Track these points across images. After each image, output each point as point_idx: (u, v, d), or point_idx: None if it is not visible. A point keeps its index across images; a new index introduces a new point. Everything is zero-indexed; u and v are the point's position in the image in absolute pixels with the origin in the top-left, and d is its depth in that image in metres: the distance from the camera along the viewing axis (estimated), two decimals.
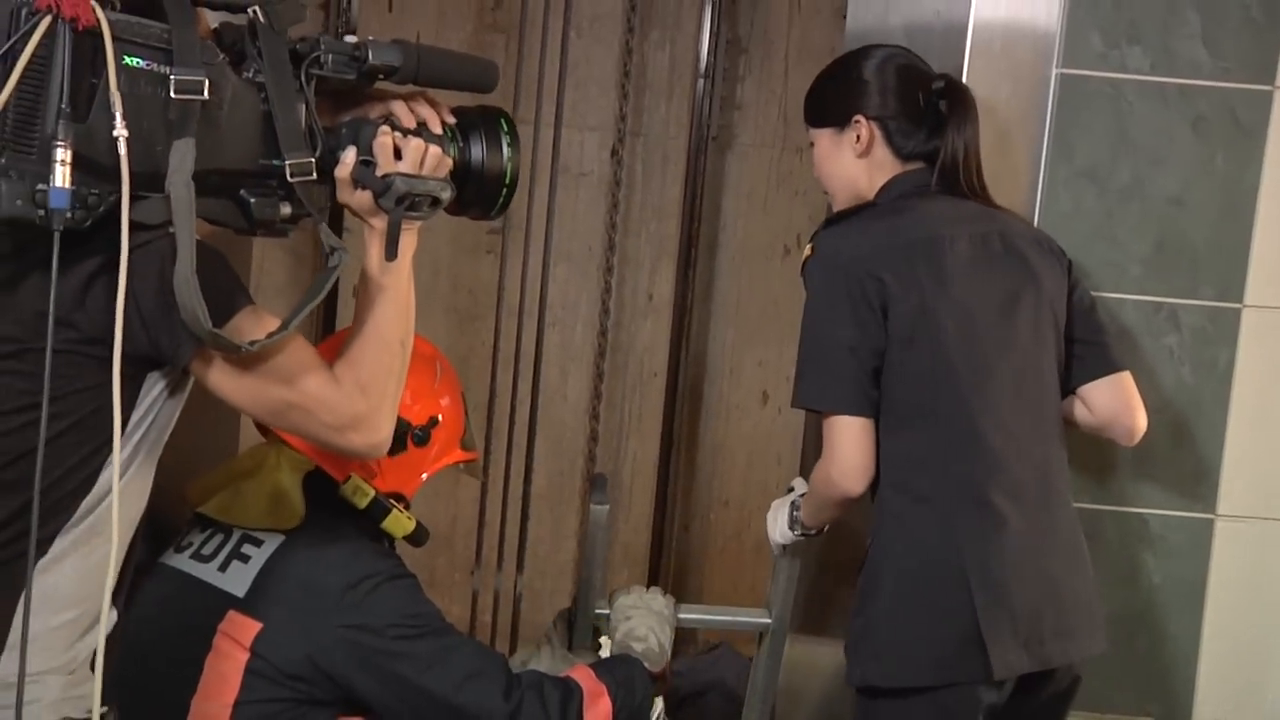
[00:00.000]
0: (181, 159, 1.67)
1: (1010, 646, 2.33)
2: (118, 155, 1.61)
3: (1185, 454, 2.85)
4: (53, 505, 1.75)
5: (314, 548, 2.33)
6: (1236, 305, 2.82)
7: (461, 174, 2.04)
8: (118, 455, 1.69)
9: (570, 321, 4.57)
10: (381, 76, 1.92)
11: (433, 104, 2.03)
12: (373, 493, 2.41)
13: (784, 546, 2.75)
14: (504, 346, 4.35)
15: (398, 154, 1.93)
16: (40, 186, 1.59)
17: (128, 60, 1.63)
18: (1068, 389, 2.52)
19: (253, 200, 1.83)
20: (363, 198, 1.93)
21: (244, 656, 2.26)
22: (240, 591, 2.29)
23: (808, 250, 2.47)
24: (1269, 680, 2.91)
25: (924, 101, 2.50)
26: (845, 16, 3.23)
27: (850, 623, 2.44)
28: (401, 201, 1.92)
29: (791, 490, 2.72)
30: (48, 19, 1.58)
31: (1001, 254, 2.45)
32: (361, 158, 1.92)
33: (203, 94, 1.68)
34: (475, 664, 2.32)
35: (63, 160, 1.58)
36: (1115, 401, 2.54)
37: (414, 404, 2.47)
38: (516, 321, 4.35)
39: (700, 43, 4.46)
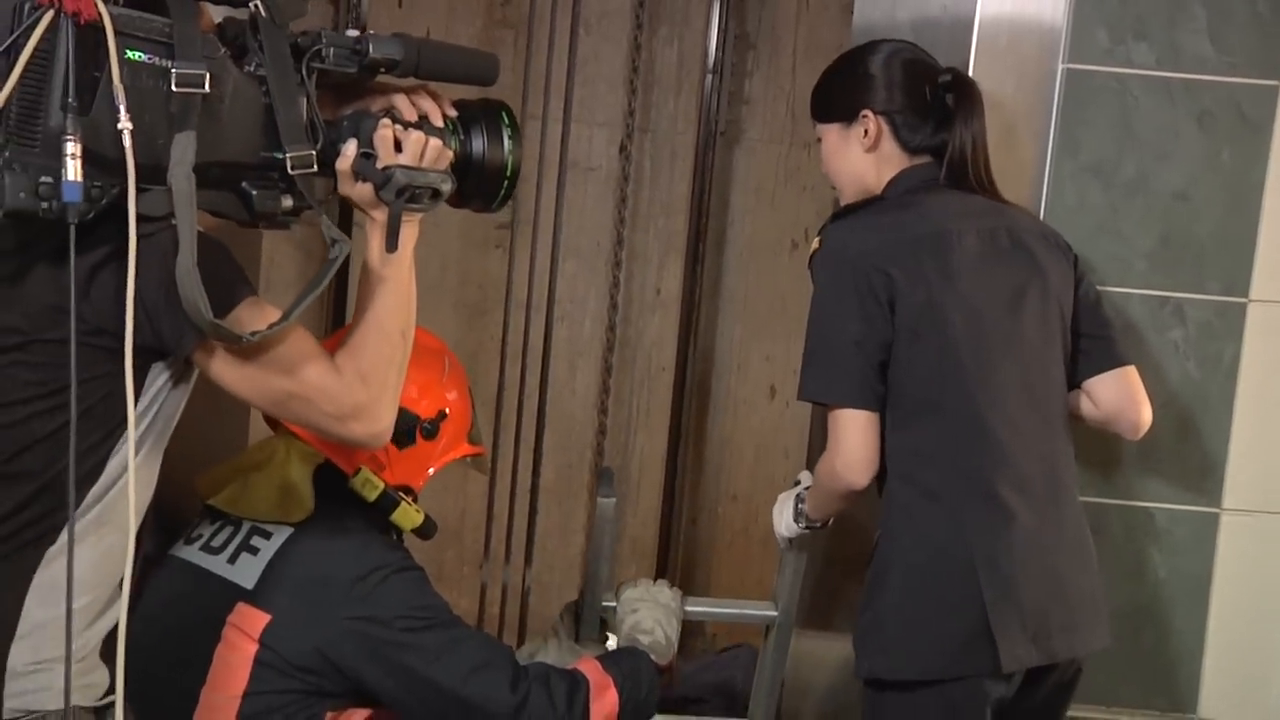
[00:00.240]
0: (183, 152, 1.69)
1: (1018, 640, 2.33)
2: (120, 148, 1.62)
3: (1190, 448, 2.85)
4: (62, 493, 1.76)
5: (322, 540, 2.33)
6: (1242, 300, 2.81)
7: (463, 166, 2.05)
8: (132, 442, 1.70)
9: (579, 316, 4.58)
10: (383, 70, 1.93)
11: (434, 97, 2.05)
12: (382, 485, 2.41)
13: (790, 540, 2.75)
14: (512, 341, 4.36)
15: (398, 146, 1.95)
16: (43, 179, 1.61)
17: (130, 54, 1.64)
18: (1073, 383, 2.52)
19: (254, 192, 1.85)
20: (363, 190, 1.95)
21: (253, 648, 2.26)
22: (249, 583, 2.30)
23: (815, 244, 2.47)
24: (1274, 674, 2.90)
25: (930, 95, 2.50)
26: (853, 12, 3.23)
27: (858, 616, 2.44)
28: (401, 194, 1.93)
29: (798, 483, 2.72)
30: (50, 13, 1.59)
31: (1009, 249, 2.45)
32: (362, 150, 1.93)
33: (204, 87, 1.69)
34: (482, 656, 2.33)
35: (73, 154, 1.60)
36: (1120, 396, 2.54)
37: (422, 398, 2.47)
38: (525, 316, 4.36)
39: (708, 38, 4.46)
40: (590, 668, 2.44)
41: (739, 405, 4.70)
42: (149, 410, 1.86)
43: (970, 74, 2.66)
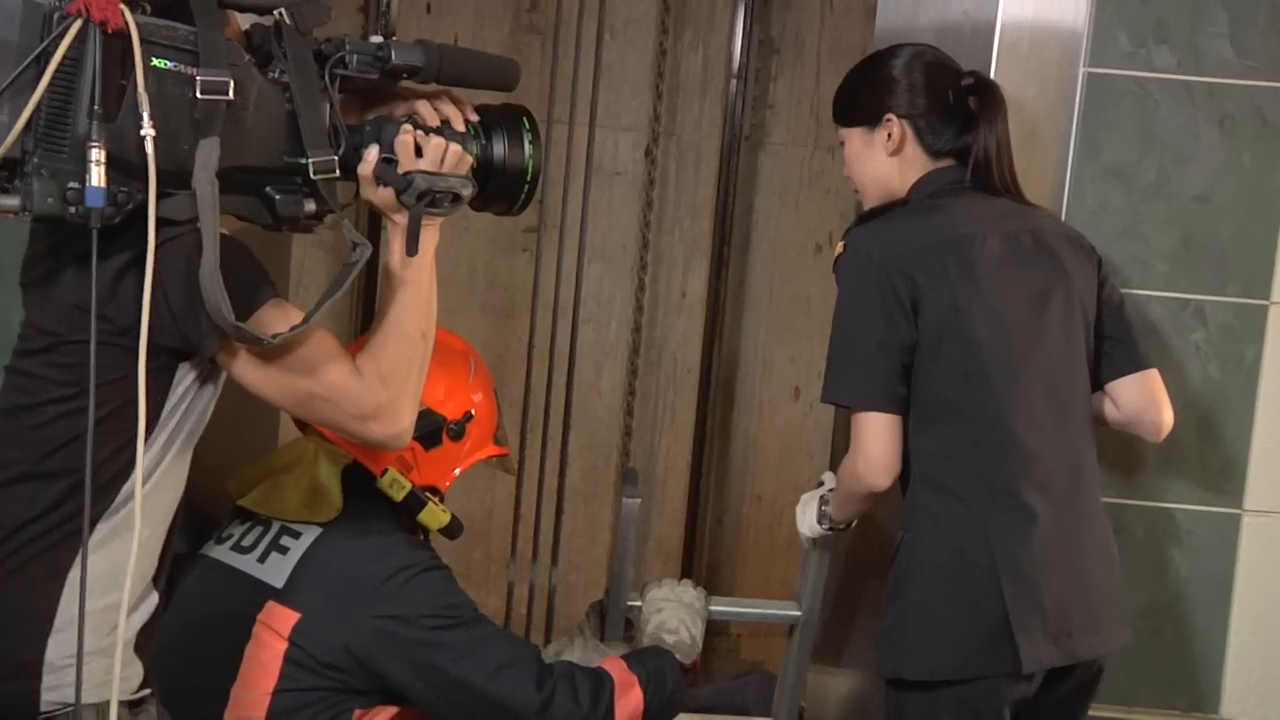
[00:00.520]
0: (206, 157, 1.71)
1: (1039, 640, 2.34)
2: (145, 154, 1.64)
3: (1212, 449, 2.85)
4: (94, 492, 1.78)
5: (351, 539, 2.35)
6: (1263, 302, 2.82)
7: (484, 170, 2.07)
8: (141, 442, 1.72)
9: (604, 319, 4.59)
10: (405, 76, 1.95)
11: (456, 102, 2.07)
12: (409, 486, 2.43)
13: (813, 540, 2.76)
14: (539, 343, 4.37)
15: (419, 151, 1.97)
16: (71, 185, 1.63)
17: (156, 62, 1.67)
18: (1095, 385, 2.52)
19: (278, 197, 1.87)
20: (384, 194, 1.97)
21: (282, 645, 2.29)
22: (279, 582, 2.32)
23: (839, 248, 2.47)
24: None
25: (953, 98, 2.50)
26: (875, 17, 3.24)
27: (881, 616, 2.45)
28: (422, 198, 1.96)
29: (821, 484, 2.72)
30: (79, 22, 1.61)
31: (1033, 251, 2.45)
32: (383, 155, 1.96)
33: (227, 94, 1.72)
34: (508, 654, 2.34)
35: (98, 160, 1.62)
36: (1142, 399, 2.54)
37: (448, 400, 2.49)
38: (552, 318, 4.37)
39: (733, 44, 4.48)
40: (615, 666, 2.45)
41: (763, 406, 4.71)
42: (177, 409, 1.89)
43: (992, 78, 2.67)
